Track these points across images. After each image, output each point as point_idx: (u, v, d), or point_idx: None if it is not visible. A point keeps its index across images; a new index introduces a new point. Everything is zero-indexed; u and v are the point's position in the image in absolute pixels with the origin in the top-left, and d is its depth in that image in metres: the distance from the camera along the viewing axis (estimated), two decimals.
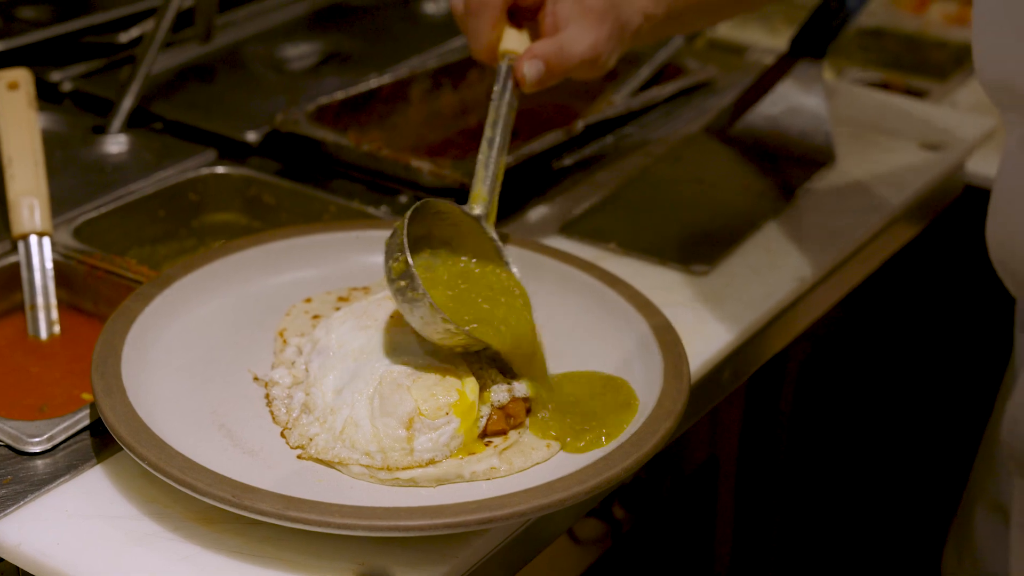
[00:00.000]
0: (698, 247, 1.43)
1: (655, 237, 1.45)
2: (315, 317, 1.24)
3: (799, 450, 1.81)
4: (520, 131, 1.83)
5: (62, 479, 1.09)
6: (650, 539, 1.56)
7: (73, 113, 1.68)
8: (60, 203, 1.43)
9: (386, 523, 0.98)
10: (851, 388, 1.89)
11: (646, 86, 1.80)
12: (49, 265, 1.33)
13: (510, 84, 1.27)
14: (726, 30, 2.43)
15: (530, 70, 1.26)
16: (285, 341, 1.21)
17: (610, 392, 1.16)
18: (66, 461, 1.11)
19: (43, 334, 1.31)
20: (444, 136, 1.82)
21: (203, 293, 1.25)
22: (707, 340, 1.29)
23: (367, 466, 1.07)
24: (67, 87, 1.73)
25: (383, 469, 1.07)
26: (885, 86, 2.04)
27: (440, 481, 1.07)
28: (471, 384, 1.10)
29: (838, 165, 1.61)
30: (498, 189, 1.22)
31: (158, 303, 1.22)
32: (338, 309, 1.24)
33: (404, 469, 1.07)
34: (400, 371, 1.10)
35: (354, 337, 1.15)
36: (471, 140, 1.82)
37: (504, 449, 1.10)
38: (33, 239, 1.34)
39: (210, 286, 1.26)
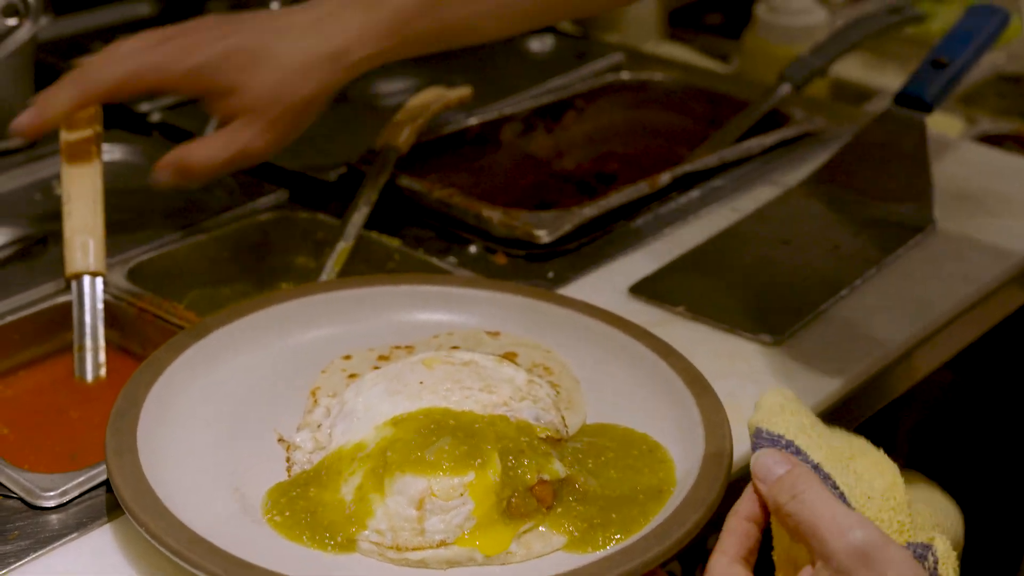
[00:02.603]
0: (772, 314, 1.36)
1: (728, 301, 1.38)
2: (351, 376, 1.20)
3: None
4: (620, 176, 1.78)
5: (69, 537, 1.06)
6: None
7: (159, 145, 1.66)
8: (122, 240, 1.41)
9: None
10: (965, 455, 1.80)
11: (748, 134, 1.73)
12: (100, 306, 1.31)
13: None
14: (858, 72, 2.34)
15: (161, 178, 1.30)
16: (316, 400, 1.17)
17: (647, 471, 1.10)
18: (78, 518, 1.08)
19: (89, 376, 1.29)
20: (536, 180, 1.77)
21: (241, 345, 1.22)
22: None
23: (376, 543, 1.03)
24: (155, 118, 1.71)
25: (392, 548, 1.02)
26: (1017, 138, 1.94)
27: (451, 564, 1.02)
28: (493, 462, 1.04)
29: (937, 229, 1.53)
30: None
31: (191, 353, 1.18)
32: (377, 368, 1.19)
33: (414, 549, 1.02)
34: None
35: (381, 402, 1.10)
36: (564, 183, 1.77)
37: (524, 532, 1.04)
38: (86, 279, 1.32)
39: (248, 338, 1.22)
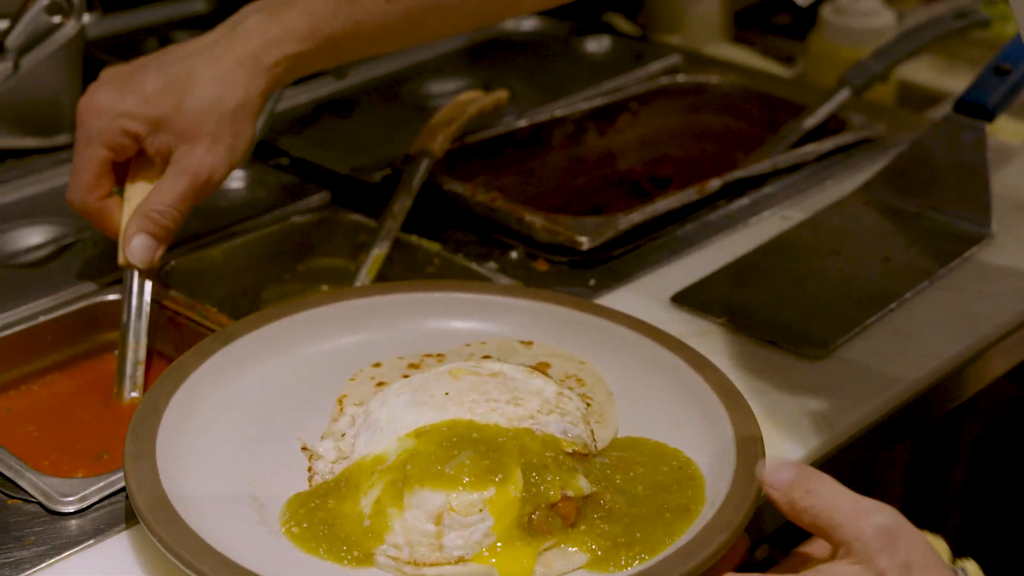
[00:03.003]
0: (817, 327, 1.32)
1: (772, 313, 1.34)
2: (380, 384, 1.17)
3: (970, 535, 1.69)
4: (675, 180, 1.75)
5: (86, 544, 1.05)
6: None
7: None
8: None
9: None
10: None
11: (805, 140, 1.69)
12: (147, 299, 1.29)
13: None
14: (927, 75, 2.29)
15: (136, 251, 1.27)
16: (342, 409, 1.15)
17: (675, 488, 1.06)
18: (96, 524, 1.07)
19: (125, 397, 1.27)
20: (588, 183, 1.74)
21: (268, 351, 1.20)
22: (802, 436, 1.18)
23: (393, 558, 1.00)
24: None
25: (410, 563, 1.00)
26: None
27: None
28: (515, 478, 1.01)
29: (995, 241, 1.48)
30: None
31: (217, 359, 1.16)
32: (407, 376, 1.17)
33: (431, 565, 1.00)
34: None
35: (405, 413, 1.07)
36: (617, 187, 1.74)
37: (546, 549, 1.01)
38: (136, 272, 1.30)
39: (276, 344, 1.20)
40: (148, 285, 1.29)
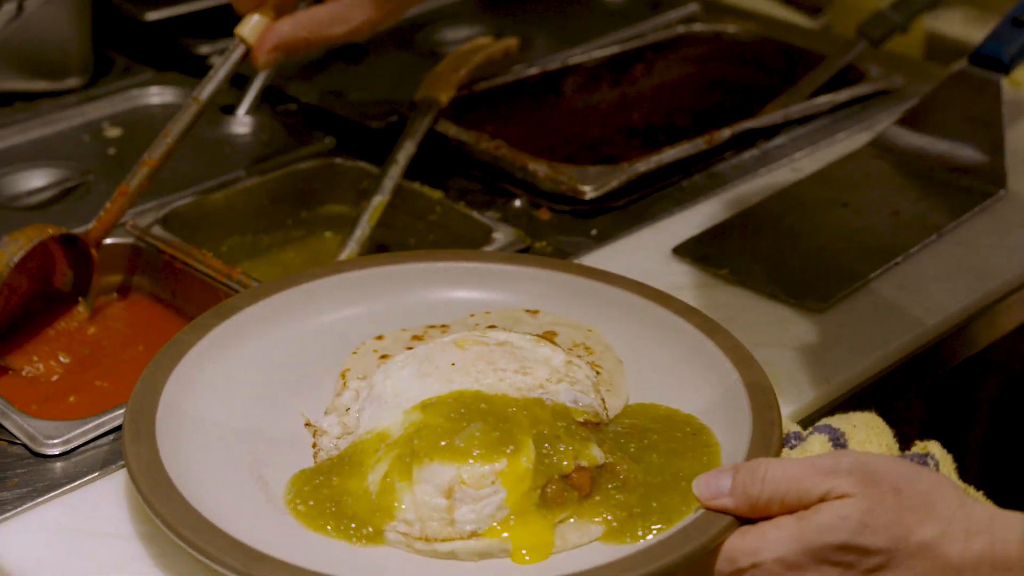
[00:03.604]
0: (821, 280, 1.30)
1: (775, 266, 1.32)
2: (383, 357, 1.14)
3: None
4: (692, 132, 1.73)
5: (69, 486, 1.04)
6: None
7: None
8: (161, 186, 1.38)
9: None
10: None
11: (822, 91, 1.66)
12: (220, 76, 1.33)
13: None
14: (958, 27, 2.26)
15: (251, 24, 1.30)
16: (345, 383, 1.11)
17: (690, 455, 1.03)
18: (79, 467, 1.06)
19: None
20: (599, 132, 1.73)
21: (267, 325, 1.15)
22: (799, 390, 1.16)
23: (404, 534, 0.97)
24: (214, 61, 1.69)
25: (421, 539, 0.97)
26: None
27: (482, 555, 0.96)
28: (527, 449, 0.98)
29: (1008, 195, 1.45)
30: None
31: (216, 334, 1.12)
32: (411, 348, 1.13)
33: (443, 540, 0.97)
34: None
35: (411, 386, 1.04)
36: (631, 138, 1.72)
37: (560, 522, 0.98)
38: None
39: (275, 317, 1.16)
40: (231, 63, 1.33)
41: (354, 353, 1.15)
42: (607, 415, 1.06)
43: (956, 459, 1.38)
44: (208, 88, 1.31)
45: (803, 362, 1.20)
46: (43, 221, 1.30)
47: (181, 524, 0.93)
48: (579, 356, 1.12)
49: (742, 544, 0.92)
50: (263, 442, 1.05)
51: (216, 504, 0.96)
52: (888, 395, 1.24)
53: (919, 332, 1.25)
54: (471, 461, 0.97)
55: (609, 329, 1.18)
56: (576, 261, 1.33)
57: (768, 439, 1.01)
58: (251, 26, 1.31)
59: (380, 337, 1.17)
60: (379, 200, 1.36)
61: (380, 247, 1.42)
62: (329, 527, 0.98)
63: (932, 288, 1.30)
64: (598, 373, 1.11)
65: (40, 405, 1.17)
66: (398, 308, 1.20)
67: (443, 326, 1.19)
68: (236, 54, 1.32)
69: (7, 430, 1.09)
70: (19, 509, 1.02)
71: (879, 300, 1.28)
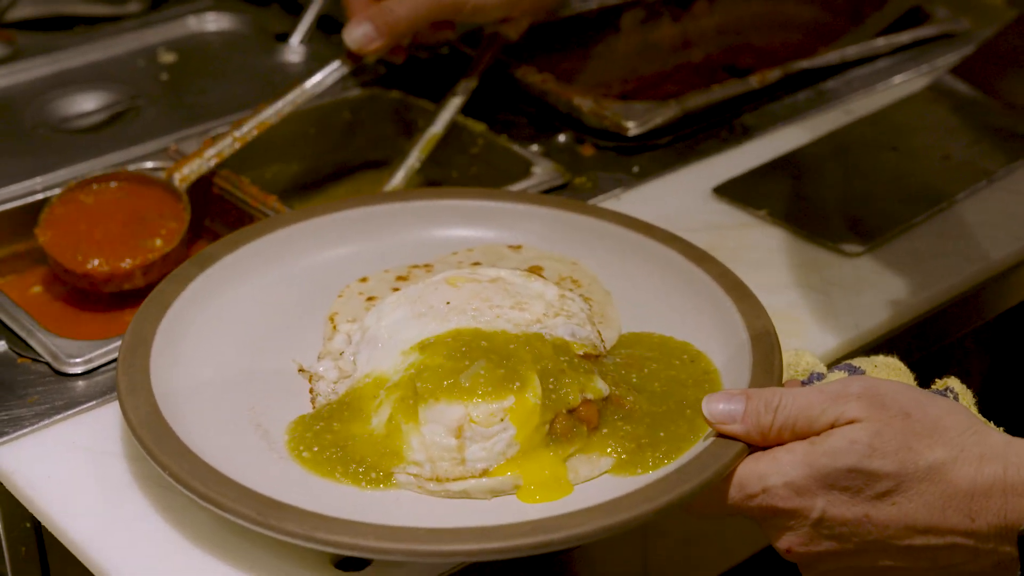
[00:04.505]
0: (861, 224, 1.28)
1: (816, 208, 1.30)
2: (370, 299, 1.13)
3: None
4: (756, 71, 1.70)
5: (86, 406, 1.06)
6: None
7: (274, 16, 1.65)
8: (207, 111, 1.39)
9: (427, 548, 0.88)
10: None
11: (885, 32, 1.63)
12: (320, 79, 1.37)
13: None
14: None
15: (351, 32, 1.31)
16: (335, 327, 1.10)
17: (691, 383, 1.03)
18: (101, 387, 1.08)
19: None
20: (659, 70, 1.70)
21: (249, 272, 1.14)
22: (824, 334, 1.15)
23: (415, 475, 0.97)
24: None
25: (432, 480, 0.97)
26: None
27: (495, 493, 0.96)
28: (533, 384, 0.97)
29: None
30: None
31: (198, 284, 1.11)
32: (397, 290, 1.12)
33: (455, 480, 0.96)
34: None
35: (407, 326, 1.03)
36: (692, 76, 1.70)
37: (569, 456, 0.98)
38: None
39: (256, 264, 1.15)
40: (335, 70, 1.36)
41: (340, 297, 1.15)
42: (604, 347, 1.06)
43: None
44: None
45: (833, 306, 1.18)
46: (90, 146, 1.32)
47: (190, 476, 0.92)
48: (568, 289, 1.12)
49: (755, 468, 0.92)
50: (259, 391, 1.04)
51: (221, 454, 0.96)
52: (919, 345, 1.22)
53: (960, 279, 1.22)
54: (478, 399, 0.96)
55: (594, 260, 1.17)
56: (614, 197, 1.32)
57: (771, 368, 1.00)
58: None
59: (364, 279, 1.17)
60: (434, 131, 1.35)
61: (427, 181, 1.42)
62: (337, 472, 0.97)
63: (976, 235, 1.28)
64: (589, 306, 1.11)
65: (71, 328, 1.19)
66: (378, 249, 1.19)
67: (426, 265, 1.18)
68: None
69: (32, 348, 1.11)
70: (36, 426, 1.04)
71: (919, 246, 1.26)
